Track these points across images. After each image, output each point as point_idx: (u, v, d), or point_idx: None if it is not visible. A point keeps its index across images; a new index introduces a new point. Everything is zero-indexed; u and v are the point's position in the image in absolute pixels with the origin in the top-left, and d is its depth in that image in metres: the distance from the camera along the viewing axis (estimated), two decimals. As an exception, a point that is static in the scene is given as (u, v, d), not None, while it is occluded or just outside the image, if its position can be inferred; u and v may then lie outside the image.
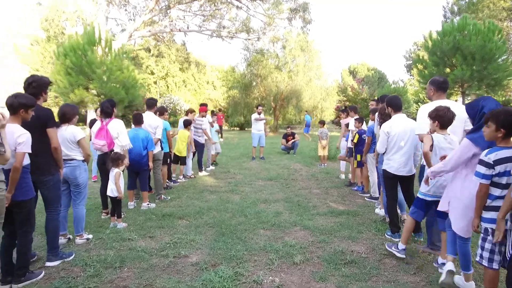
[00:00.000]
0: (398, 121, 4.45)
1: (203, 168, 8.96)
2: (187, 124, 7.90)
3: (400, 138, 4.34)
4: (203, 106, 9.05)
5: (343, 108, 28.20)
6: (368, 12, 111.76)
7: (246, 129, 29.56)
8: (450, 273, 3.14)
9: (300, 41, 25.15)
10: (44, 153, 3.52)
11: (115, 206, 4.91)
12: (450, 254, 3.26)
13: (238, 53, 65.97)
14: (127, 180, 5.89)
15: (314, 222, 5.07)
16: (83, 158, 4.15)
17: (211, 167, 9.52)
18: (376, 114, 5.62)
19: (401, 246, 3.79)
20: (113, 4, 22.08)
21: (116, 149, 5.05)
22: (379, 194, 5.99)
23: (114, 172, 4.83)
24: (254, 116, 11.53)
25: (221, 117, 21.37)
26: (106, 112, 5.11)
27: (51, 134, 3.53)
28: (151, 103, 6.31)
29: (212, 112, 10.35)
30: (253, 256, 3.81)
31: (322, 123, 11.21)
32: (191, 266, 3.56)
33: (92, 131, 5.14)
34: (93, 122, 7.63)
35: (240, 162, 11.03)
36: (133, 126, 5.82)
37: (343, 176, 9.03)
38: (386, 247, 3.95)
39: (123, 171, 5.08)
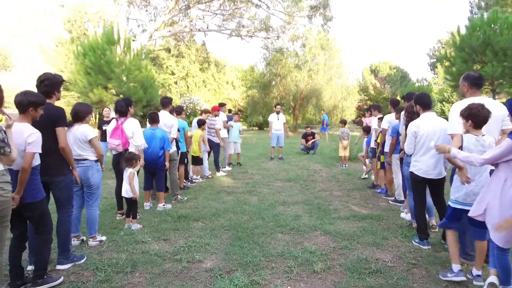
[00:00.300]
0: (427, 120, 4.13)
1: (220, 168, 8.81)
2: (200, 124, 7.77)
3: (429, 138, 4.02)
4: (216, 106, 8.93)
5: (367, 107, 27.62)
6: (390, 9, 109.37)
7: (265, 129, 29.36)
8: (492, 286, 2.84)
9: (320, 39, 24.73)
10: (55, 153, 3.41)
11: (130, 207, 4.80)
12: (493, 267, 2.94)
13: (257, 52, 65.75)
14: (143, 181, 5.79)
15: (336, 227, 4.81)
16: (95, 158, 4.05)
17: (227, 168, 9.33)
18: (402, 112, 5.30)
19: (455, 267, 3.25)
20: (133, 5, 22.31)
21: (131, 148, 4.94)
22: (405, 197, 5.67)
23: (128, 172, 4.72)
24: (272, 116, 11.31)
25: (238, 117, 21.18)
26: (121, 111, 5.01)
27: (59, 133, 3.41)
28: (165, 102, 6.19)
29: (230, 111, 10.20)
30: (270, 263, 3.60)
31: (343, 122, 10.87)
32: (205, 272, 3.39)
33: (108, 130, 5.05)
34: (102, 123, 7.63)
35: (259, 163, 10.83)
36: (148, 125, 5.71)
37: (365, 175, 8.70)
38: (441, 277, 3.35)
39: (138, 172, 4.97)
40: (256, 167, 9.95)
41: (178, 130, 6.46)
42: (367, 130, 8.23)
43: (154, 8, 23.71)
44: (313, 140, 12.84)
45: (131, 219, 4.81)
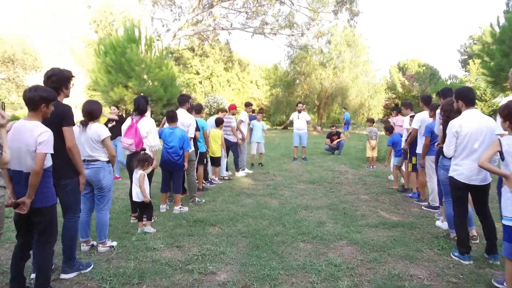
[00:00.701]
0: (470, 118, 3.63)
1: (240, 169, 8.50)
2: (219, 123, 7.49)
3: (473, 138, 3.53)
4: (234, 104, 8.65)
5: (394, 105, 26.68)
6: (418, 4, 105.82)
7: (288, 128, 28.89)
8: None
9: (346, 35, 24.03)
10: (62, 154, 3.19)
11: (142, 211, 4.57)
12: None
13: (281, 50, 64.92)
14: (161, 182, 5.56)
15: (363, 236, 4.39)
16: (107, 159, 3.83)
17: (247, 170, 8.96)
18: (438, 110, 4.81)
19: None
20: (158, 5, 22.43)
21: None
22: (440, 203, 5.16)
23: (138, 174, 4.48)
24: (293, 115, 10.92)
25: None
26: (141, 109, 4.80)
27: (66, 133, 3.18)
28: (182, 100, 5.94)
29: (253, 111, 9.92)
30: (290, 277, 3.25)
31: (371, 121, 10.32)
32: (218, 287, 3.08)
33: (122, 128, 4.85)
34: (107, 122, 7.46)
35: (281, 163, 10.46)
36: (166, 124, 5.48)
37: (392, 176, 8.18)
38: (495, 283, 3.05)
39: (152, 173, 4.74)
40: (278, 168, 9.59)
41: (198, 130, 6.21)
42: (389, 129, 7.71)
43: (178, 8, 23.82)
44: (338, 140, 12.32)
45: (143, 222, 4.59)
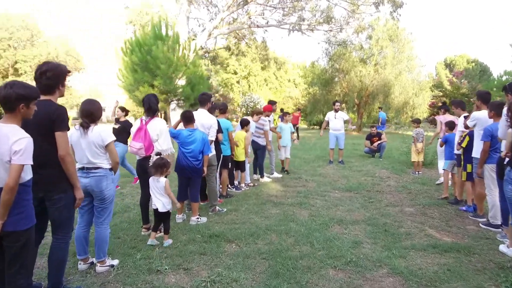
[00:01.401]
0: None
1: (265, 174, 7.86)
2: (244, 124, 6.90)
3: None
4: (269, 105, 8.00)
5: (441, 103, 24.87)
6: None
7: (326, 128, 27.85)
8: None
9: (388, 29, 22.58)
10: (54, 163, 2.75)
11: (160, 222, 4.12)
12: None
13: (319, 47, 63.04)
14: (177, 189, 5.08)
15: (408, 262, 3.62)
16: (110, 166, 3.37)
17: (276, 174, 8.28)
18: (505, 109, 3.93)
19: None
20: (194, 4, 22.31)
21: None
22: (505, 224, 4.26)
23: (162, 182, 4.01)
24: (330, 114, 10.12)
25: (298, 116, 20.13)
26: (153, 108, 4.34)
27: (60, 139, 2.74)
28: (203, 99, 5.41)
29: (281, 110, 9.16)
30: (314, 321, 2.60)
31: (416, 122, 9.28)
32: (222, 330, 2.49)
33: (132, 130, 4.41)
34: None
35: (315, 167, 9.71)
36: (181, 126, 4.99)
37: (441, 180, 7.23)
38: None
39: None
40: (312, 172, 8.85)
41: (221, 131, 5.68)
42: (450, 125, 6.64)
43: (214, 7, 23.57)
44: (379, 142, 11.32)
45: (159, 234, 4.14)
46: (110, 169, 3.38)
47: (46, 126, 2.73)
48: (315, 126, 31.07)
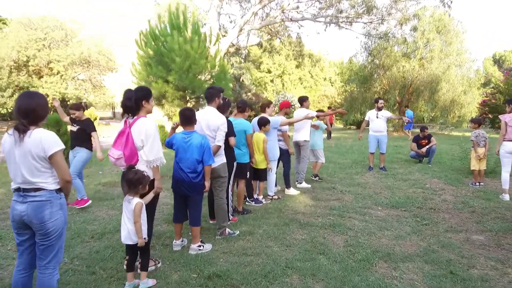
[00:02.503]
0: None
1: (294, 183, 6.67)
2: (262, 123, 5.74)
3: None
4: (286, 101, 6.73)
5: (495, 101, 22.31)
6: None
7: (366, 128, 26.08)
8: None
9: (435, 20, 20.50)
10: None
11: (135, 257, 3.11)
12: None
13: (357, 41, 59.68)
14: (173, 208, 4.06)
15: None
16: (57, 187, 2.40)
17: (305, 184, 7.08)
18: None
19: None
20: (225, -1, 21.44)
21: (141, 165, 3.21)
22: None
23: (132, 204, 3.00)
24: (371, 113, 8.77)
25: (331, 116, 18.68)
26: (127, 106, 3.28)
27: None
28: (210, 94, 4.32)
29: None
30: None
31: (477, 122, 7.70)
32: None
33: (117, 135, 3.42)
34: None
35: (351, 174, 8.39)
36: (180, 128, 3.95)
37: (506, 197, 5.81)
38: None
39: (156, 200, 3.26)
40: (348, 181, 7.57)
41: (233, 135, 4.60)
42: None
43: (247, 2, 22.59)
44: (429, 145, 9.74)
45: (136, 272, 3.13)
46: (58, 191, 2.40)
47: None
48: (352, 126, 29.32)
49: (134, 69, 7.70)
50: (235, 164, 4.72)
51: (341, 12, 19.60)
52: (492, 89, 28.81)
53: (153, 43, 7.46)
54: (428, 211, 5.45)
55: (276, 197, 6.12)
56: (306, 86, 45.43)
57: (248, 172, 5.27)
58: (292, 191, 6.49)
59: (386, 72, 22.02)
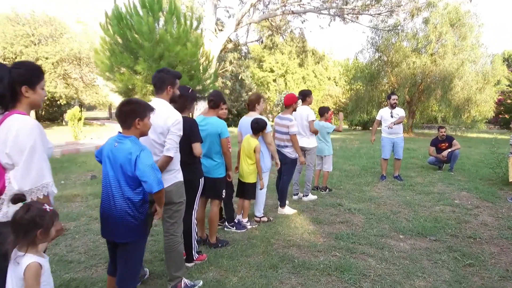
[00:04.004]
0: None
1: (286, 203, 5.29)
2: (259, 128, 4.40)
3: None
4: (292, 94, 5.29)
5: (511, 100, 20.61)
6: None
7: (370, 128, 24.54)
8: None
9: (449, 12, 19.01)
10: None
11: None
12: None
13: (363, 37, 57.11)
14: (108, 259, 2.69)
15: None
16: None
17: (311, 197, 5.80)
18: None
19: None
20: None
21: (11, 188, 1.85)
22: None
23: (22, 266, 1.66)
24: (384, 111, 7.37)
25: (331, 114, 17.27)
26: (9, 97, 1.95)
27: None
28: (161, 81, 2.91)
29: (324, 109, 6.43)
30: None
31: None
32: None
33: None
34: None
35: (361, 185, 6.99)
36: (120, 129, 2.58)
37: None
38: None
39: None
40: (357, 194, 6.18)
41: (199, 140, 3.23)
42: None
43: (246, -6, 21.23)
44: (451, 149, 8.28)
45: None
46: None
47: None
48: (357, 127, 27.85)
49: (98, 58, 6.35)
50: (201, 181, 3.35)
51: (346, 3, 18.14)
52: (508, 87, 27.25)
53: (118, 25, 6.09)
54: (467, 242, 4.05)
55: (265, 219, 4.73)
56: (310, 86, 44.05)
57: (224, 190, 3.90)
58: (287, 210, 5.10)
59: (395, 69, 20.57)
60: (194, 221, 3.33)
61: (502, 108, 24.91)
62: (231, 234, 4.26)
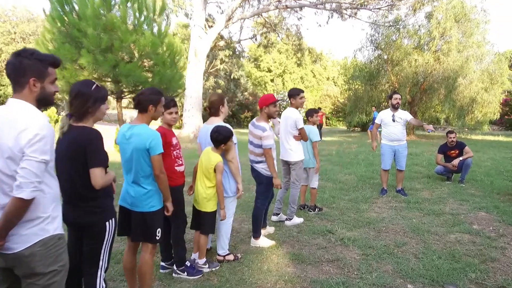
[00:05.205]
0: None
1: (261, 233, 4.18)
2: (222, 140, 3.27)
3: None
4: (270, 95, 4.08)
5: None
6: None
7: (369, 131, 23.43)
8: None
9: (454, 7, 17.88)
10: None
11: None
12: None
13: (362, 34, 55.42)
14: None
15: None
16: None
17: (296, 220, 4.71)
18: None
19: None
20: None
21: None
22: None
23: None
24: (385, 114, 6.25)
25: (322, 115, 16.49)
26: None
27: None
28: (18, 69, 1.73)
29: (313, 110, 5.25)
30: None
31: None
32: None
33: None
34: None
35: (357, 201, 5.86)
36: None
37: None
38: None
39: None
40: (353, 216, 5.06)
41: (102, 164, 2.14)
42: None
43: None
44: (463, 157, 7.14)
45: None
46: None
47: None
48: (356, 128, 26.70)
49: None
50: (111, 223, 2.23)
51: (345, -2, 17.05)
52: (512, 87, 26.11)
53: (63, 9, 4.97)
54: (500, 296, 2.94)
55: (231, 257, 3.60)
56: (308, 86, 43.02)
57: (159, 230, 2.76)
58: (262, 242, 3.98)
59: (395, 68, 19.44)
60: (102, 284, 2.21)
61: (507, 109, 23.80)
62: (180, 282, 3.15)
